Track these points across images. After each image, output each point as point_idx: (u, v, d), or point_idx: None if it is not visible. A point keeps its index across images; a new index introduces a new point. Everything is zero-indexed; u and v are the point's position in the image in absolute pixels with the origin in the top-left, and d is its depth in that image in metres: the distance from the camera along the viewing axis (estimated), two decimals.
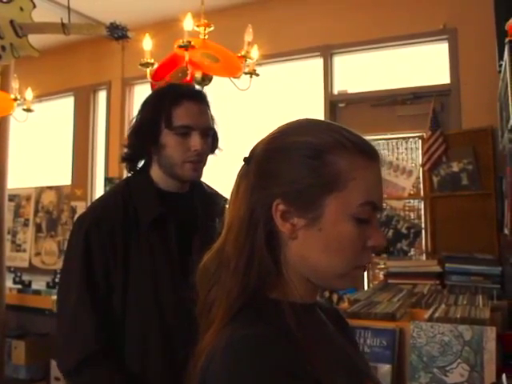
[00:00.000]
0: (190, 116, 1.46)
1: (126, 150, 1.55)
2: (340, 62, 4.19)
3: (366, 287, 3.63)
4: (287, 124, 0.90)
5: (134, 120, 1.55)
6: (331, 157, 0.80)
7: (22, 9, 2.38)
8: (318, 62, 4.19)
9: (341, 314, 1.11)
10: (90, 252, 1.41)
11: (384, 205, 3.63)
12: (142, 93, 5.04)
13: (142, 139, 1.49)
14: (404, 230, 3.55)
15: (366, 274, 3.68)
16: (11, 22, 2.41)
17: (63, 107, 5.52)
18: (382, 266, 3.62)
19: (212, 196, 1.61)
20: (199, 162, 1.50)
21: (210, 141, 1.55)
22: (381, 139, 3.74)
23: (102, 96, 5.34)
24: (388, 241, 3.57)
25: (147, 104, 1.54)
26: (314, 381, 0.75)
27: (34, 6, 2.38)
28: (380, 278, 3.63)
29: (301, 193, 0.80)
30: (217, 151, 1.63)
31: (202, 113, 1.49)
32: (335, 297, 3.59)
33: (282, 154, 0.84)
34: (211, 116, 1.54)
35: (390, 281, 3.09)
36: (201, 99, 1.51)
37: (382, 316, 1.98)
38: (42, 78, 4.75)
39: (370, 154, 0.83)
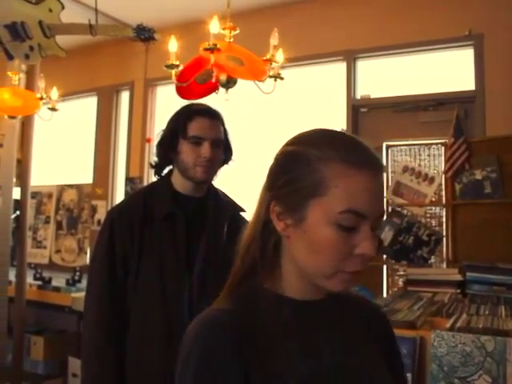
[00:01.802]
0: (202, 129, 1.74)
1: (154, 158, 1.87)
2: (363, 66, 4.17)
3: (384, 293, 3.60)
4: (303, 132, 0.96)
5: (160, 132, 1.86)
6: (318, 165, 0.85)
7: (50, 10, 2.42)
8: (341, 67, 4.18)
9: (386, 320, 1.09)
10: (113, 237, 1.71)
11: (405, 211, 3.61)
12: (164, 93, 5.07)
13: (164, 148, 1.80)
14: (425, 237, 3.51)
15: (384, 280, 3.66)
16: (40, 22, 2.45)
17: (86, 107, 5.58)
18: (402, 273, 3.59)
19: (225, 203, 1.86)
20: (209, 167, 1.75)
21: (222, 151, 1.81)
22: (403, 145, 3.71)
23: (124, 96, 5.39)
24: (408, 248, 3.54)
25: (169, 120, 1.84)
26: (244, 373, 0.82)
27: (63, 8, 2.41)
28: (399, 285, 3.60)
29: (289, 196, 0.88)
30: (231, 162, 1.91)
31: (212, 126, 1.76)
32: None
33: (282, 160, 0.93)
34: (223, 130, 1.81)
35: (409, 288, 3.05)
36: (212, 115, 1.78)
37: (402, 324, 1.97)
38: (66, 77, 4.80)
39: (360, 164, 0.85)
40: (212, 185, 1.88)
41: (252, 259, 0.93)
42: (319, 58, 4.22)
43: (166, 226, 1.71)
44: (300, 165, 0.87)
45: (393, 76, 4.05)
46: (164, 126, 1.86)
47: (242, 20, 2.60)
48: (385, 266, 3.68)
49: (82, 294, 4.16)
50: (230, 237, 1.75)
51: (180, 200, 1.78)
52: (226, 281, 1.69)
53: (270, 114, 4.29)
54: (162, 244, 1.69)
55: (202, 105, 1.86)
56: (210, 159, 1.74)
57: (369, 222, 0.84)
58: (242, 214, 1.92)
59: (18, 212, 4.29)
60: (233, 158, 1.91)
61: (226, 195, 1.92)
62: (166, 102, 4.98)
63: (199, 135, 1.74)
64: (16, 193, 4.18)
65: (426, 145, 3.63)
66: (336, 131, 0.95)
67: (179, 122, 1.77)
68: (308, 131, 0.95)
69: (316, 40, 4.14)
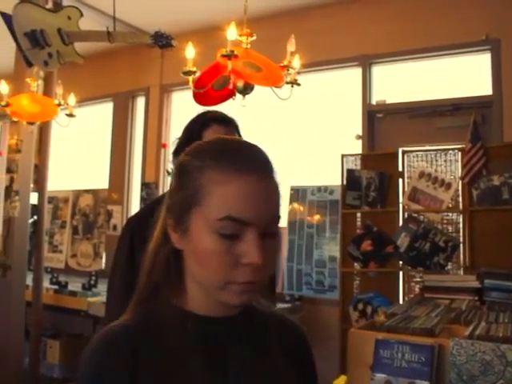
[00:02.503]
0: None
1: (170, 165, 1.85)
2: (379, 71, 4.16)
3: (400, 300, 3.58)
4: (199, 142, 0.95)
5: (176, 140, 1.81)
6: (197, 174, 0.84)
7: (69, 18, 2.44)
8: (356, 72, 4.17)
9: (300, 333, 1.05)
10: (134, 245, 1.68)
11: (421, 217, 3.59)
12: (179, 99, 5.10)
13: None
14: (441, 244, 3.48)
15: (401, 286, 3.64)
16: (59, 30, 2.48)
17: (102, 112, 5.63)
18: (418, 280, 3.57)
19: None
20: None
21: None
22: (419, 151, 3.69)
23: (140, 102, 5.43)
24: (424, 254, 3.52)
25: (185, 128, 1.80)
26: None
27: (82, 15, 2.44)
28: (415, 292, 3.57)
29: (176, 206, 0.87)
30: None
31: (227, 133, 1.68)
32: (369, 309, 3.56)
33: (174, 171, 0.93)
34: (238, 136, 1.75)
35: (426, 295, 3.03)
36: (227, 122, 1.75)
37: (420, 331, 1.95)
38: (83, 83, 4.85)
39: (239, 170, 0.82)
40: None
41: (157, 274, 0.91)
42: (334, 63, 4.22)
43: None
44: (183, 175, 0.87)
45: (409, 81, 4.04)
46: (180, 133, 1.83)
47: (258, 25, 2.61)
48: (401, 273, 3.65)
49: (98, 299, 4.23)
50: None
51: None
52: None
53: (286, 119, 4.29)
54: None
55: (217, 112, 1.84)
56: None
57: (254, 229, 0.81)
58: None
59: (35, 217, 4.34)
60: None
61: None
62: (182, 108, 5.02)
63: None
64: (33, 198, 4.22)
65: (443, 150, 3.61)
66: (229, 140, 0.93)
67: (194, 130, 1.75)
68: (204, 141, 0.94)
69: (331, 45, 4.15)
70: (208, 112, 1.83)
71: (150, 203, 2.02)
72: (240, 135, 1.81)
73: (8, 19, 2.60)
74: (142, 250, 1.66)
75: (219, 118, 1.75)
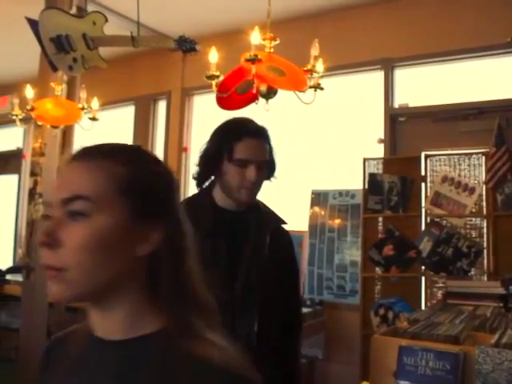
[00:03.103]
0: (249, 151, 1.69)
1: (196, 169, 1.83)
2: (401, 75, 4.13)
3: (422, 305, 3.54)
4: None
5: (204, 146, 1.80)
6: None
7: (94, 23, 2.47)
8: (378, 75, 4.15)
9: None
10: None
11: (444, 222, 3.55)
12: (201, 103, 5.12)
13: (207, 166, 1.78)
14: (465, 249, 3.44)
15: (423, 291, 3.60)
16: (84, 35, 2.51)
17: (124, 116, 5.67)
18: (441, 285, 3.53)
19: (266, 215, 1.85)
20: (253, 190, 1.74)
21: (266, 171, 1.78)
22: (442, 155, 3.65)
23: (161, 105, 5.46)
24: (447, 259, 3.48)
25: (215, 135, 1.78)
26: None
27: (106, 21, 2.47)
28: (438, 297, 3.54)
29: None
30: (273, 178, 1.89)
31: (259, 148, 1.71)
32: (390, 315, 3.53)
33: None
34: (269, 149, 1.77)
35: (449, 301, 2.99)
36: (260, 135, 1.73)
37: (444, 338, 1.92)
38: (105, 87, 4.88)
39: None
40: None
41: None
42: (357, 66, 4.20)
43: (207, 241, 1.62)
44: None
45: (432, 84, 4.00)
46: (201, 137, 1.82)
47: (280, 28, 2.60)
48: (423, 278, 3.62)
49: None
50: (272, 249, 1.76)
51: (221, 214, 1.77)
52: (270, 293, 1.70)
53: (307, 122, 4.28)
54: (203, 259, 1.62)
55: (249, 124, 1.78)
56: (255, 182, 1.72)
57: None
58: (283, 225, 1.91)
59: None
60: (275, 174, 1.88)
61: (266, 206, 1.90)
62: (203, 111, 5.03)
63: (246, 158, 1.70)
64: None
65: (466, 154, 3.57)
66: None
67: (226, 142, 1.70)
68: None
69: (353, 49, 4.13)
70: (241, 123, 1.77)
71: None
72: (271, 146, 1.78)
73: (34, 25, 2.64)
74: None
75: (252, 131, 1.72)
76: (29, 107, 3.13)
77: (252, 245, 1.75)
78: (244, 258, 1.72)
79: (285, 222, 1.90)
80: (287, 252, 1.90)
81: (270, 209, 1.89)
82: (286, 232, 1.93)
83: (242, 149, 1.68)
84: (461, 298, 2.94)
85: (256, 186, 1.74)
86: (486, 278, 3.38)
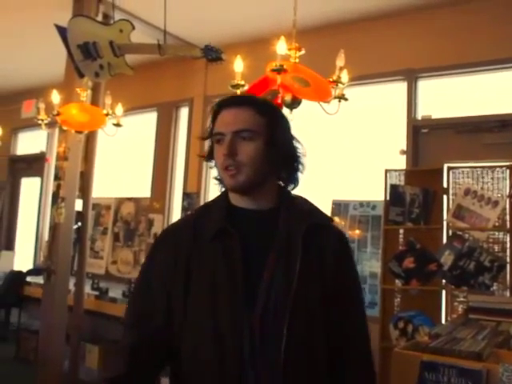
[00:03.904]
0: (224, 122, 1.37)
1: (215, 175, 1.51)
2: (424, 86, 4.10)
3: (443, 319, 3.50)
4: None
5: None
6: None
7: (121, 31, 2.50)
8: (401, 86, 4.13)
9: None
10: (154, 261, 1.43)
11: (466, 235, 3.51)
12: None
13: (206, 158, 1.48)
14: (487, 263, 3.39)
15: (443, 305, 3.56)
16: (111, 42, 2.54)
17: (146, 121, 5.72)
18: (462, 299, 3.49)
19: (301, 213, 1.41)
20: (233, 168, 1.34)
21: (256, 144, 1.35)
22: (465, 167, 3.61)
23: (183, 112, 5.50)
24: (469, 273, 3.43)
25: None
26: None
27: (133, 28, 2.49)
28: (458, 312, 3.49)
29: None
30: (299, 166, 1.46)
31: (235, 115, 1.36)
32: (410, 328, 3.49)
33: None
34: (267, 121, 1.38)
35: (470, 316, 2.95)
36: (238, 103, 1.39)
37: (467, 354, 1.90)
38: (128, 92, 4.93)
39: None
40: (286, 192, 1.45)
41: None
42: (380, 77, 4.18)
43: (217, 245, 1.35)
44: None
45: (455, 96, 3.97)
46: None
47: (304, 38, 2.61)
48: (444, 292, 3.57)
49: None
50: (310, 257, 1.34)
51: (235, 213, 1.40)
52: (302, 318, 1.28)
53: (329, 132, 4.27)
54: (213, 267, 1.34)
55: (233, 95, 1.51)
56: (229, 154, 1.32)
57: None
58: (329, 225, 1.46)
59: (79, 223, 4.43)
60: (301, 159, 1.45)
61: (305, 202, 1.47)
62: None
63: (220, 131, 1.36)
64: (78, 204, 4.32)
65: (490, 167, 3.53)
66: None
67: (211, 125, 1.42)
68: None
69: (376, 59, 4.11)
70: (223, 99, 1.46)
71: (186, 216, 1.64)
72: (272, 120, 1.40)
73: (63, 32, 2.68)
74: (162, 268, 1.36)
75: (228, 101, 1.41)
76: (55, 112, 3.18)
77: (276, 254, 1.33)
78: (265, 271, 1.32)
79: (330, 220, 1.48)
80: (338, 260, 1.39)
81: (309, 204, 1.47)
82: (338, 233, 1.48)
83: (219, 122, 1.38)
84: (483, 313, 2.90)
85: (237, 164, 1.33)
86: (508, 294, 3.32)
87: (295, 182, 1.47)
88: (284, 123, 1.44)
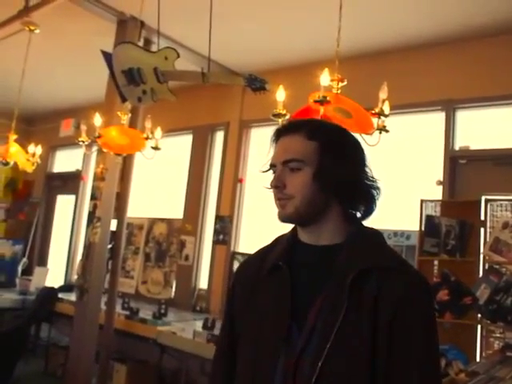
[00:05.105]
0: (276, 152, 1.31)
1: None
2: (463, 117, 4.07)
3: (477, 355, 3.42)
4: None
5: None
6: None
7: (166, 58, 2.56)
8: (439, 116, 4.10)
9: None
10: (231, 292, 1.44)
11: (504, 269, 3.43)
12: (258, 135, 5.18)
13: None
14: None
15: (478, 341, 3.48)
16: (155, 69, 2.60)
17: (182, 144, 5.79)
18: (498, 335, 3.41)
19: (360, 254, 1.23)
20: (281, 199, 1.27)
21: (304, 174, 1.25)
22: (503, 200, 3.56)
23: (219, 136, 5.55)
24: (506, 309, 3.35)
25: None
26: None
27: (178, 56, 2.55)
28: (494, 348, 3.41)
29: None
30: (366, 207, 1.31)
31: (286, 145, 1.29)
32: (443, 362, 3.41)
33: None
34: (318, 148, 1.25)
35: (508, 353, 2.89)
36: (285, 132, 1.30)
37: None
38: (165, 115, 5.01)
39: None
40: (356, 226, 1.30)
41: None
42: (418, 106, 4.17)
43: (271, 284, 1.29)
44: None
45: (494, 127, 3.92)
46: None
47: (345, 66, 2.62)
48: (479, 326, 3.49)
49: (167, 328, 4.29)
50: (359, 306, 1.15)
51: (298, 251, 1.31)
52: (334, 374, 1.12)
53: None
54: (263, 306, 1.29)
55: (287, 122, 1.41)
56: (277, 187, 1.26)
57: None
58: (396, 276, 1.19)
59: (112, 243, 4.49)
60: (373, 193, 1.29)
61: (374, 239, 1.29)
62: (260, 144, 5.08)
63: (272, 161, 1.30)
64: (112, 224, 4.38)
65: None
66: None
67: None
68: None
69: (415, 88, 4.10)
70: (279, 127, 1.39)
71: (256, 251, 1.47)
72: (324, 143, 1.26)
73: (108, 57, 2.75)
74: (232, 305, 1.36)
75: (278, 131, 1.34)
76: (96, 134, 3.25)
77: (324, 296, 1.19)
78: (310, 312, 1.19)
79: (400, 263, 1.24)
80: (399, 310, 1.15)
81: (376, 242, 1.29)
82: (408, 279, 1.20)
83: (273, 153, 1.32)
84: None
85: (283, 195, 1.26)
86: None
87: (365, 212, 1.30)
88: (340, 146, 1.27)
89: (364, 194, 1.29)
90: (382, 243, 1.30)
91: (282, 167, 1.27)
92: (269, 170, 1.32)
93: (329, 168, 1.23)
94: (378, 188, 1.30)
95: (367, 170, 1.30)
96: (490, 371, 2.26)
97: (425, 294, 1.20)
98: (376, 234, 1.31)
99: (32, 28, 4.13)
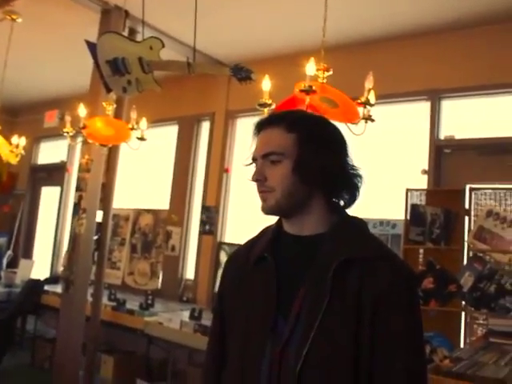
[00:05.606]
0: (256, 146, 1.32)
1: None
2: (448, 106, 4.10)
3: (461, 341, 3.46)
4: None
5: None
6: None
7: (151, 48, 2.54)
8: (425, 106, 4.13)
9: None
10: (221, 286, 1.47)
11: (487, 257, 3.48)
12: (244, 125, 5.17)
13: None
14: (508, 286, 3.35)
15: (462, 327, 3.53)
16: (139, 58, 2.58)
17: (167, 135, 5.77)
18: (482, 322, 3.45)
19: (342, 243, 1.23)
20: (263, 192, 1.28)
21: (284, 167, 1.25)
22: (487, 189, 3.60)
23: (205, 126, 5.53)
24: (489, 296, 3.40)
25: None
26: None
27: (163, 46, 2.53)
28: (477, 334, 3.46)
29: None
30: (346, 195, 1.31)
31: (266, 138, 1.30)
32: (428, 349, 3.45)
33: None
34: (296, 138, 1.26)
35: (491, 339, 2.93)
36: (266, 124, 1.31)
37: (492, 382, 1.89)
38: (150, 106, 4.96)
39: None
40: (340, 215, 1.30)
41: None
42: (403, 96, 4.19)
43: (257, 275, 1.31)
44: None
45: (479, 117, 3.95)
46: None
47: (330, 55, 2.62)
48: (463, 313, 3.54)
49: (154, 319, 4.29)
50: (342, 297, 1.16)
51: (283, 242, 1.32)
52: (318, 364, 1.13)
53: (351, 150, 4.27)
54: (250, 297, 1.31)
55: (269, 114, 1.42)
56: (258, 180, 1.28)
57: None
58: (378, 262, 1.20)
59: (98, 234, 4.46)
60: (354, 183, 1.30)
61: (357, 229, 1.30)
62: (246, 134, 5.07)
63: (253, 155, 1.32)
64: (98, 215, 4.35)
65: None
66: None
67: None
68: None
69: (400, 78, 4.12)
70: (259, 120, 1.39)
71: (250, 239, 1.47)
72: (302, 134, 1.27)
73: (92, 47, 2.73)
74: (220, 294, 1.40)
75: (258, 124, 1.34)
76: (80, 125, 3.23)
77: (307, 286, 1.20)
78: (294, 303, 1.20)
79: (382, 254, 1.24)
80: (380, 305, 1.16)
81: (359, 231, 1.29)
82: (390, 271, 1.20)
83: (255, 146, 1.33)
84: (504, 337, 2.88)
85: (264, 187, 1.27)
86: None
87: (348, 200, 1.31)
88: (319, 137, 1.27)
89: (346, 183, 1.30)
90: (365, 232, 1.31)
91: (262, 160, 1.29)
92: (251, 163, 1.33)
93: (308, 159, 1.24)
94: (359, 176, 1.31)
95: (348, 159, 1.31)
96: (474, 356, 2.30)
97: (408, 285, 1.22)
98: (359, 224, 1.32)
99: (14, 17, 4.08)
